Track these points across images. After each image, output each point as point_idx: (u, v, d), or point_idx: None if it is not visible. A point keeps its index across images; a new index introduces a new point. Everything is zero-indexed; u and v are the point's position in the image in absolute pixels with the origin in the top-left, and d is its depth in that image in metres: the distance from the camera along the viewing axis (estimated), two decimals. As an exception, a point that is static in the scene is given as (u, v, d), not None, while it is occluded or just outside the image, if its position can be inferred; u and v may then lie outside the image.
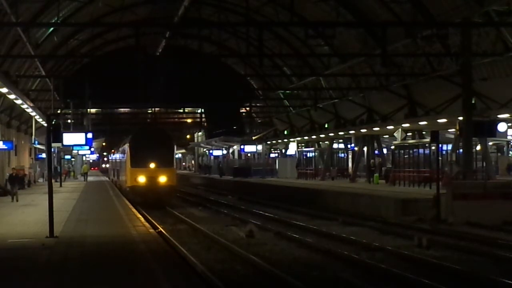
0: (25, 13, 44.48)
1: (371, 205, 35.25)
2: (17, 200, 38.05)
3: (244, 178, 65.71)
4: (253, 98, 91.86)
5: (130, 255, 17.86)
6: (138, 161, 43.13)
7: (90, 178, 76.52)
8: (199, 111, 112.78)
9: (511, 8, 38.99)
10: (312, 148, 67.43)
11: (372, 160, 52.08)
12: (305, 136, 71.19)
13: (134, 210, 32.73)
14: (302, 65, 68.85)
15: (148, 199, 41.64)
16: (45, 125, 27.72)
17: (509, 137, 50.23)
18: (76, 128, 71.49)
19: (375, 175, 48.99)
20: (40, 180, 70.22)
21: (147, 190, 42.17)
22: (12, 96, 41.51)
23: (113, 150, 76.43)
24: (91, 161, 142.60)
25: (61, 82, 66.55)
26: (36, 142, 62.81)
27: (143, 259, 17.07)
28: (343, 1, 52.88)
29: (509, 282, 16.49)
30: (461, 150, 36.96)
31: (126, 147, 45.53)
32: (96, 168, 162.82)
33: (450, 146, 40.59)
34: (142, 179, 42.66)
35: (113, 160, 72.31)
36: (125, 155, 46.14)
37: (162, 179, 42.62)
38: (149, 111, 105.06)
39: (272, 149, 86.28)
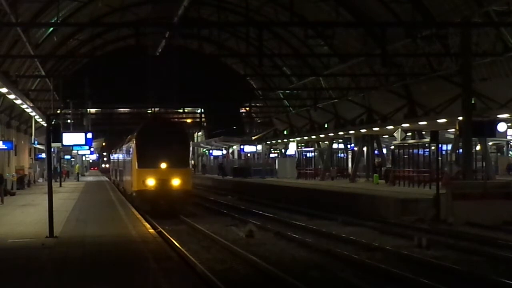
0: (25, 13, 44.48)
1: (370, 205, 35.25)
2: (2, 202, 35.94)
3: (243, 178, 65.67)
4: (253, 98, 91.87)
5: (130, 255, 17.88)
6: (146, 161, 36.06)
7: (89, 178, 76.48)
8: (199, 111, 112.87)
9: (511, 8, 39.00)
10: (312, 148, 67.38)
11: (376, 160, 52.22)
12: (305, 136, 71.16)
13: (133, 210, 32.72)
14: (302, 65, 68.87)
15: (158, 207, 35.38)
16: (45, 125, 27.70)
17: (508, 137, 50.28)
18: (76, 128, 71.64)
19: (375, 175, 49.04)
20: (40, 180, 70.20)
21: (158, 196, 35.39)
22: (12, 96, 41.54)
23: (113, 150, 75.24)
24: (90, 161, 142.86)
25: (61, 82, 66.62)
26: (36, 142, 62.81)
27: (143, 259, 17.07)
28: (343, 1, 52.86)
29: (509, 282, 16.49)
30: (461, 150, 36.96)
31: (132, 143, 38.73)
32: (95, 168, 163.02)
33: (450, 146, 40.57)
34: (151, 182, 35.60)
35: (116, 160, 62.82)
36: (131, 153, 39.30)
37: (176, 182, 35.67)
38: (149, 111, 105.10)
39: (271, 149, 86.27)
